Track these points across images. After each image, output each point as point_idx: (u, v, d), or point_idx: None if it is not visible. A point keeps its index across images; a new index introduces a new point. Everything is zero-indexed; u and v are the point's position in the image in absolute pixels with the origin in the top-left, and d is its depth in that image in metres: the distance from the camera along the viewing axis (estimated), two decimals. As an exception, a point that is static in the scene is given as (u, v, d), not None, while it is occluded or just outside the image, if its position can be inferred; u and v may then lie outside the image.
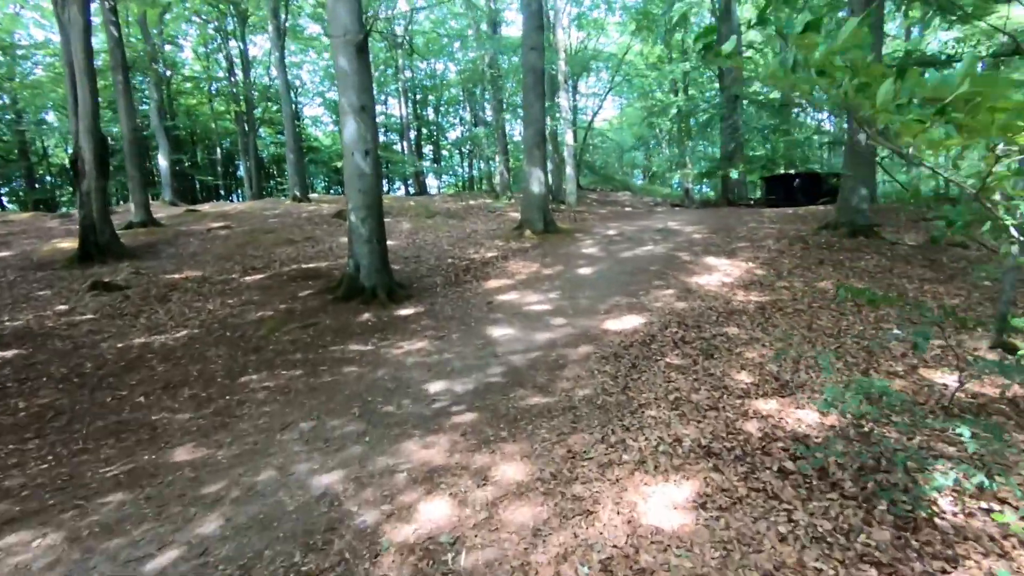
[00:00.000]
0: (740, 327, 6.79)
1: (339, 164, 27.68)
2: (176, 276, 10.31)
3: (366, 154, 8.56)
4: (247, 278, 9.97)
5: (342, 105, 8.58)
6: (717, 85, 23.80)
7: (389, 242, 13.17)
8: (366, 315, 7.95)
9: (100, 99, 11.94)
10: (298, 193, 21.84)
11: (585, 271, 10.07)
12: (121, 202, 27.27)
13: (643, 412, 4.38)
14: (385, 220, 16.51)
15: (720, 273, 9.38)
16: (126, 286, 9.48)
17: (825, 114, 31.38)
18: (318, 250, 12.10)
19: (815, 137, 21.04)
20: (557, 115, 22.20)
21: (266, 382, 5.63)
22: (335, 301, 8.45)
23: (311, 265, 10.88)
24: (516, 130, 36.37)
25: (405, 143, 33.72)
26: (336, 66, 8.63)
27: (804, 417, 4.15)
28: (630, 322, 7.13)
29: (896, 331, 6.73)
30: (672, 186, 36.39)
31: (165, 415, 4.89)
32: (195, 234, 14.40)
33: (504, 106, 24.62)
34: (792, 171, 22.23)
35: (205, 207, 21.94)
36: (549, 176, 27.45)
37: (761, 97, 19.48)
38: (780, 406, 4.38)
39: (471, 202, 21.15)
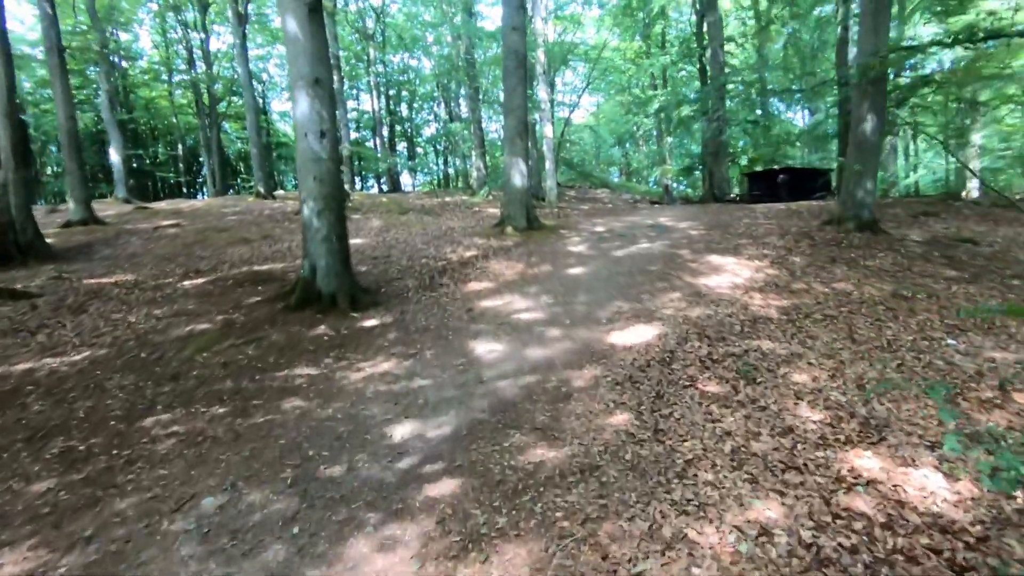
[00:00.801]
0: (772, 339, 5.52)
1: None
2: (104, 281, 8.64)
3: (322, 135, 7.07)
4: (186, 283, 8.37)
5: (293, 78, 7.07)
6: (698, 83, 22.75)
7: (356, 240, 11.68)
8: (322, 327, 6.47)
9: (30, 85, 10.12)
10: (262, 189, 20.09)
11: (577, 271, 8.73)
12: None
13: (694, 475, 3.04)
14: (354, 217, 15.04)
15: (729, 274, 8.14)
16: (38, 294, 7.81)
17: (798, 112, 30.73)
18: (275, 250, 10.52)
19: (796, 131, 20.08)
20: (536, 107, 20.84)
21: (176, 425, 4.13)
22: (286, 310, 6.95)
23: (265, 267, 9.32)
24: (493, 126, 34.99)
25: (378, 139, 32.01)
26: (285, 31, 7.10)
27: (926, 482, 2.86)
28: (640, 334, 5.80)
29: (950, 341, 5.55)
30: (649, 183, 35.40)
31: (13, 484, 3.36)
32: (139, 233, 12.65)
33: (480, 98, 23.17)
34: (776, 167, 21.29)
35: (161, 204, 20.04)
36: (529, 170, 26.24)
37: (744, 87, 18.41)
38: (881, 462, 3.08)
39: (447, 199, 19.67)
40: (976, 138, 21.48)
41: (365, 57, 31.00)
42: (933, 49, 11.12)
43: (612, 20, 28.69)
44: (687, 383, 4.49)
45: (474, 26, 21.33)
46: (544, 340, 5.82)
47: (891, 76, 15.97)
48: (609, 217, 14.72)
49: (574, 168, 32.53)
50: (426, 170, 43.46)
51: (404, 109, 39.85)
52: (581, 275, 8.49)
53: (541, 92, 20.54)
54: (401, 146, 39.79)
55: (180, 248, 10.98)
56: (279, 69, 34.98)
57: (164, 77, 30.42)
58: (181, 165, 32.09)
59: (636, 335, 5.77)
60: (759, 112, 26.56)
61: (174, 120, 31.36)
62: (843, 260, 8.87)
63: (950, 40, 9.09)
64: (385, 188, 33.03)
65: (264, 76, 34.29)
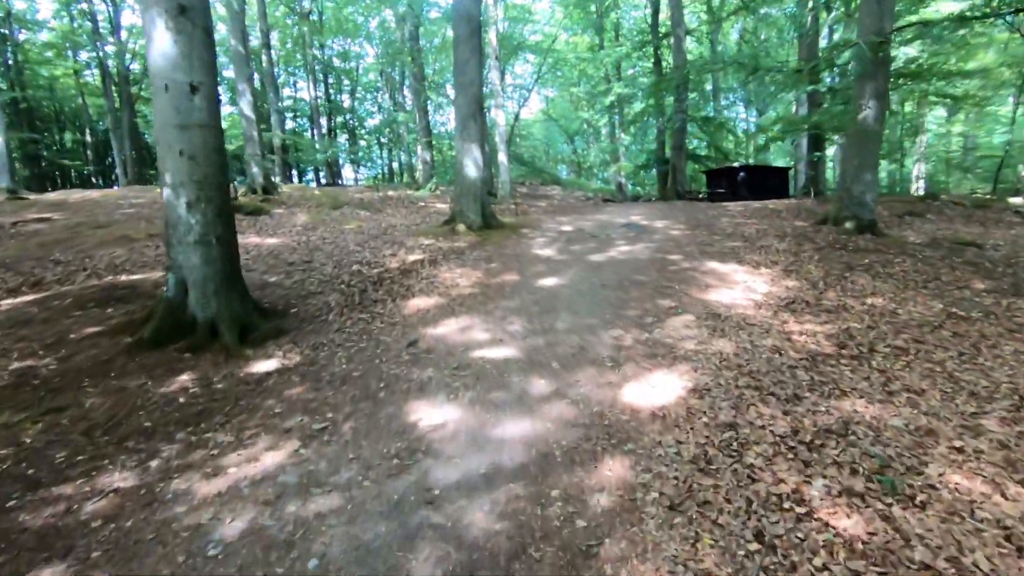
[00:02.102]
0: (859, 393, 3.64)
1: (239, 145, 22.61)
2: None
3: (192, 90, 4.67)
4: (5, 302, 5.73)
5: (145, 2, 4.62)
6: (653, 77, 21.16)
7: (270, 240, 9.15)
8: (183, 378, 4.11)
9: None
10: (175, 179, 16.89)
11: (551, 283, 6.66)
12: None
13: None
14: (275, 212, 12.19)
15: (741, 287, 6.29)
16: None
17: (744, 113, 29.91)
18: (159, 253, 7.89)
19: (773, 123, 18.81)
20: (490, 93, 18.68)
21: None
22: (136, 348, 4.53)
23: (136, 277, 6.74)
24: (440, 116, 32.48)
25: (316, 129, 28.90)
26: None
27: None
28: (667, 386, 3.80)
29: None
30: (600, 180, 33.90)
31: None
32: (-9, 228, 9.64)
33: (426, 84, 20.75)
34: (735, 164, 20.03)
35: (50, 196, 16.55)
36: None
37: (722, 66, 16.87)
38: None
39: (389, 192, 17.19)
40: (922, 139, 21.00)
41: (301, 40, 27.79)
42: (909, 34, 9.77)
43: (564, 11, 26.85)
44: (793, 503, 2.49)
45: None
46: (526, 400, 3.71)
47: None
48: (574, 215, 12.75)
49: (525, 164, 30.56)
50: (369, 163, 40.39)
51: (346, 99, 36.69)
52: (557, 288, 6.43)
53: (494, 76, 18.39)
54: (343, 138, 36.58)
55: (34, 249, 8.16)
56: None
57: (67, 53, 26.17)
58: (89, 153, 27.85)
59: (663, 388, 3.76)
60: (711, 110, 25.44)
61: (81, 102, 27.15)
62: (860, 268, 7.24)
63: (974, 13, 7.59)
64: (324, 181, 29.97)
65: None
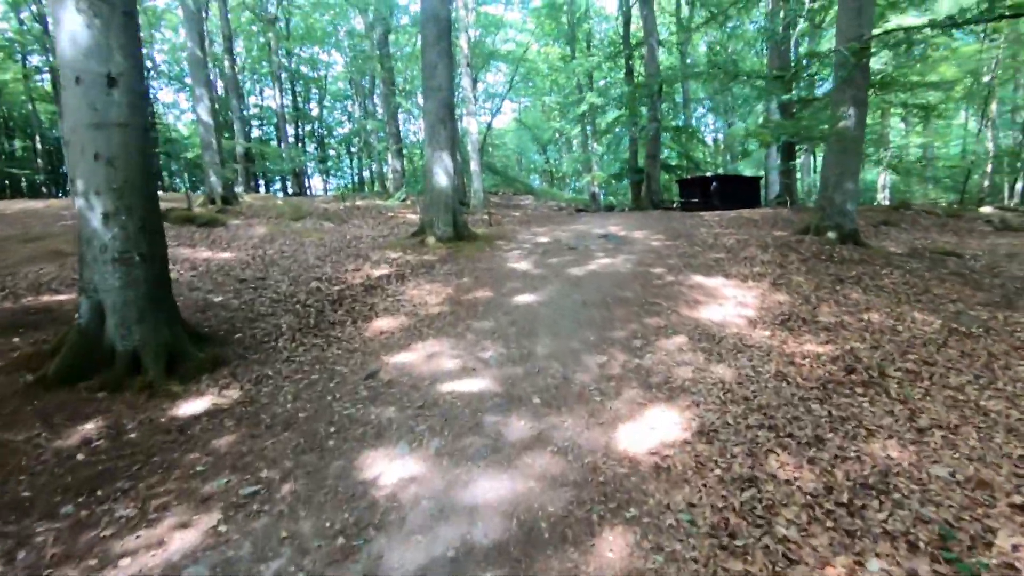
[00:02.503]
0: (885, 431, 3.14)
1: (198, 153, 21.33)
2: None
3: (111, 82, 3.95)
4: None
5: (51, -21, 3.90)
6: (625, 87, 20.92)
7: (223, 255, 8.32)
8: (89, 427, 3.37)
9: None
10: (128, 189, 15.82)
11: (528, 300, 6.07)
12: None
13: None
14: (231, 223, 11.19)
15: (731, 302, 5.80)
16: None
17: (712, 123, 30.05)
18: (94, 269, 7.04)
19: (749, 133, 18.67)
20: (461, 101, 18.14)
21: None
22: (40, 387, 3.75)
23: (58, 298, 5.90)
24: (412, 126, 31.78)
25: (283, 138, 27.85)
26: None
27: None
28: (668, 427, 3.23)
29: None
30: (573, 190, 33.63)
31: None
32: (-94, 243, 8.58)
33: (397, 92, 20.08)
34: (708, 174, 19.88)
35: (-9, 205, 15.26)
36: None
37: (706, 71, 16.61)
38: None
39: (358, 203, 16.40)
40: (886, 149, 21.24)
41: (267, 46, 26.80)
42: (891, 40, 9.58)
43: (535, 21, 26.56)
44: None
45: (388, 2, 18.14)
46: (503, 447, 3.09)
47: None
48: (549, 225, 12.22)
49: (498, 173, 30.03)
50: (340, 173, 39.36)
51: (314, 107, 35.64)
52: (535, 306, 5.83)
53: (466, 84, 17.84)
54: (312, 148, 35.50)
55: (-52, 267, 7.21)
56: (169, 56, 29.77)
57: (16, 56, 24.68)
58: (40, 161, 26.25)
59: (664, 430, 3.19)
60: (682, 120, 25.37)
61: (31, 108, 25.59)
62: (850, 280, 6.86)
63: (959, 20, 7.35)
64: (292, 191, 28.92)
65: (148, 63, 28.98)
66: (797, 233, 9.38)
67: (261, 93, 33.34)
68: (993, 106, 14.83)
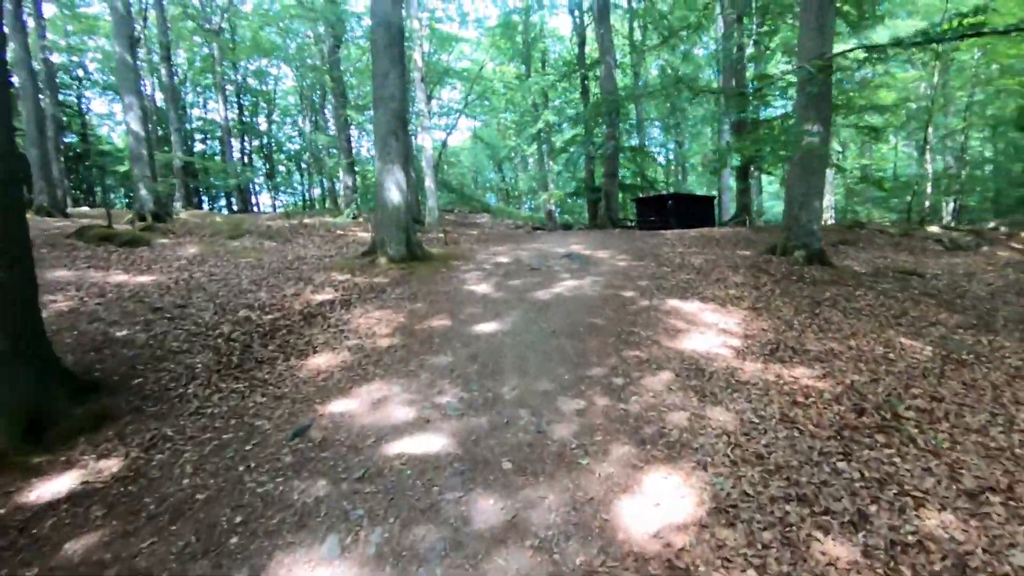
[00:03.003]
0: (935, 500, 2.55)
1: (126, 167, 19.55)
2: None
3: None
4: None
5: None
6: (582, 108, 20.73)
7: (141, 278, 7.15)
8: None
9: None
10: (45, 203, 14.26)
11: (490, 329, 5.32)
12: None
13: None
14: (160, 242, 9.80)
15: (713, 330, 5.24)
16: None
17: (663, 143, 30.44)
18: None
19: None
20: (415, 116, 17.41)
21: None
22: None
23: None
24: (364, 143, 30.71)
25: (228, 152, 26.24)
26: None
27: None
28: (675, 502, 2.53)
29: None
30: (529, 208, 33.27)
31: None
32: None
33: (348, 104, 19.13)
34: (664, 193, 19.79)
35: None
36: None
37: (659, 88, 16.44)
38: None
39: (306, 220, 15.28)
40: (827, 173, 21.83)
41: (211, 57, 25.30)
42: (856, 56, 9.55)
43: (490, 40, 26.26)
44: None
45: (337, 8, 17.25)
46: (465, 542, 2.31)
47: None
48: (508, 244, 11.54)
49: (454, 191, 29.35)
50: (291, 190, 37.68)
51: (263, 122, 34.03)
52: (499, 337, 5.09)
53: (420, 98, 17.10)
54: (261, 163, 33.80)
55: None
56: (102, 64, 27.69)
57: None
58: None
59: (671, 506, 2.49)
60: (636, 140, 25.45)
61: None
62: (826, 302, 6.47)
63: (917, 39, 7.21)
64: (236, 208, 27.24)
65: (79, 72, 26.86)
66: (764, 253, 9.04)
67: (205, 106, 31.55)
68: (930, 130, 15.34)
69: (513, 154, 33.36)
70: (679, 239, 11.60)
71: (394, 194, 8.68)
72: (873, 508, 2.46)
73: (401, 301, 6.54)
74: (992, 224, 13.78)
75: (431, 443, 3.17)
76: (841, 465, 2.85)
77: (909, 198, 13.96)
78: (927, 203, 15.10)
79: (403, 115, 8.93)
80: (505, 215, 27.32)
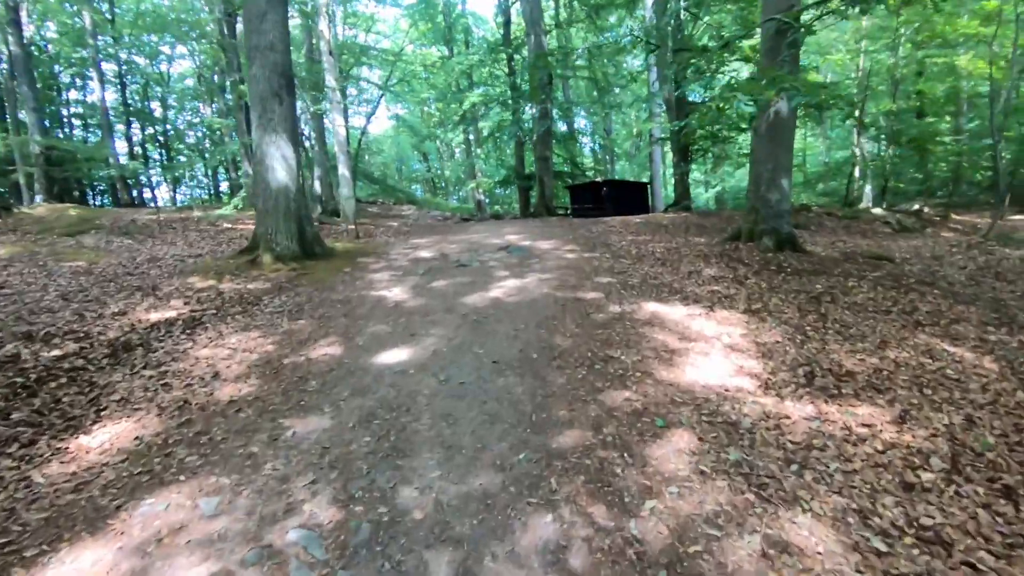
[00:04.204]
0: None
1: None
2: None
3: None
4: None
5: None
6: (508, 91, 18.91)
7: None
8: None
9: None
10: None
11: (399, 359, 3.44)
12: None
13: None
14: None
15: (716, 347, 3.64)
16: None
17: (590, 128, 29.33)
18: None
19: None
20: (321, 95, 14.93)
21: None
22: None
23: None
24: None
25: (110, 139, 22.23)
26: None
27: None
28: None
29: None
30: (457, 199, 31.20)
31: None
32: None
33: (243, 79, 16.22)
34: (599, 179, 18.46)
35: None
36: (316, 181, 19.58)
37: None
38: None
39: (188, 214, 12.48)
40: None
41: (82, 30, 21.14)
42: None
43: (410, 21, 23.86)
44: None
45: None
46: None
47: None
48: (433, 236, 9.56)
49: (376, 182, 26.75)
50: (194, 183, 33.30)
51: (158, 108, 29.59)
52: (412, 375, 3.23)
53: (329, 77, 14.63)
54: (159, 154, 29.40)
55: None
56: (67, 38, 22.47)
57: None
58: None
59: None
60: (564, 125, 24.02)
61: None
62: (824, 298, 5.13)
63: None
64: (124, 203, 23.21)
65: (48, 48, 21.68)
66: (729, 239, 7.70)
67: (84, 87, 26.81)
68: (856, 112, 14.90)
69: (439, 142, 31.07)
70: (624, 226, 10.13)
71: (280, 174, 6.52)
72: None
73: (277, 317, 4.51)
74: (916, 206, 13.44)
75: None
76: None
77: (847, 181, 13.40)
78: (867, 187, 14.61)
79: (288, 71, 6.74)
80: (432, 206, 25.18)
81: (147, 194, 28.91)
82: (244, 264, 6.36)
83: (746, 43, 10.79)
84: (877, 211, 11.53)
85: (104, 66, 23.90)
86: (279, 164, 6.54)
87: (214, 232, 9.32)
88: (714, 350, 3.56)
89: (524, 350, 3.50)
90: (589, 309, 4.36)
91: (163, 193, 30.65)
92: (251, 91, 6.69)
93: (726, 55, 8.22)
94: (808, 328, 4.16)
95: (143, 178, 28.11)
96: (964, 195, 14.56)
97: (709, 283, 5.35)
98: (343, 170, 14.22)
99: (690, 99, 12.91)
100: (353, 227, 10.21)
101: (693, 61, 8.68)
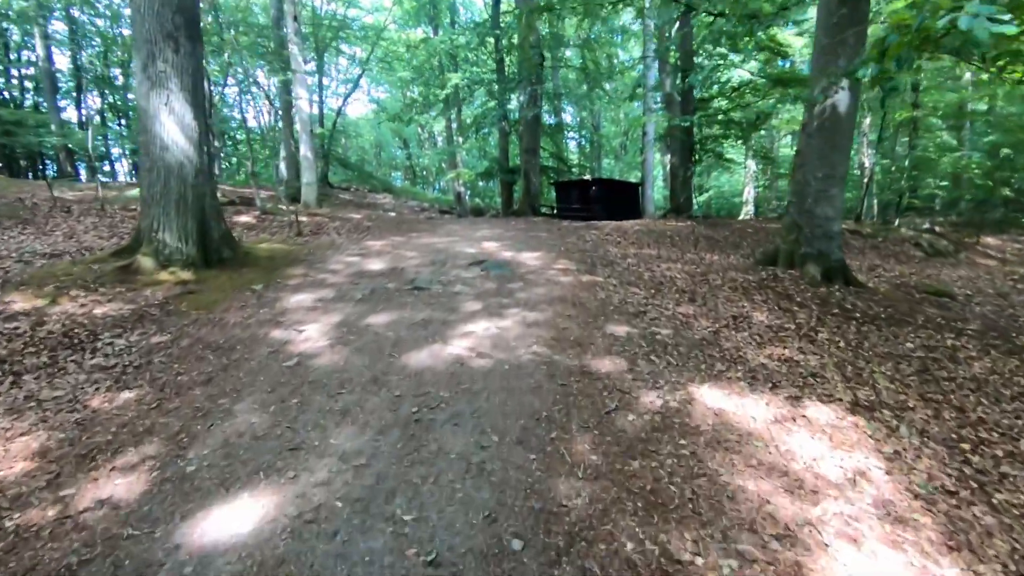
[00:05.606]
0: None
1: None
2: None
3: None
4: None
5: None
6: (495, 75, 16.93)
7: None
8: None
9: None
10: None
11: (237, 527, 1.61)
12: None
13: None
14: None
15: (870, 518, 1.86)
16: None
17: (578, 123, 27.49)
18: None
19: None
20: (287, 70, 12.74)
21: None
22: None
23: None
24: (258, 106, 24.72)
25: (54, 107, 19.52)
26: None
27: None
28: None
29: None
30: (437, 189, 29.12)
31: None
32: None
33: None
34: (588, 177, 16.67)
35: None
36: (282, 162, 17.35)
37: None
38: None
39: (127, 193, 10.24)
40: (751, 164, 19.90)
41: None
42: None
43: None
44: None
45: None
46: None
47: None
48: (395, 236, 7.61)
49: (351, 168, 24.49)
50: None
51: (120, 75, 26.63)
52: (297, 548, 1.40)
53: (293, 48, 12.44)
54: (119, 126, 26.50)
55: None
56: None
57: None
58: None
59: None
60: (552, 118, 22.11)
61: None
62: (936, 371, 3.42)
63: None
64: (66, 176, 20.55)
65: None
66: (760, 263, 5.99)
67: (19, 55, 23.67)
68: (867, 122, 13.43)
69: (420, 129, 28.80)
70: (621, 234, 8.35)
71: (172, 146, 4.54)
72: None
73: (98, 378, 2.61)
74: (927, 224, 12.01)
75: None
76: None
77: (862, 194, 11.94)
78: (874, 201, 13.16)
79: (190, 4, 4.71)
80: (409, 196, 23.08)
81: (108, 168, 26.04)
82: (114, 271, 4.38)
83: (772, 31, 9.08)
84: (904, 231, 10.00)
85: (56, 25, 21.11)
86: (172, 133, 4.55)
87: (118, 220, 7.21)
88: (863, 526, 1.79)
89: (496, 520, 1.68)
90: (608, 398, 2.55)
91: (125, 167, 27.81)
92: (135, 31, 4.65)
93: (755, 25, 6.44)
94: (965, 445, 2.44)
95: (102, 149, 25.37)
96: (968, 213, 13.26)
97: (769, 340, 3.60)
98: (305, 151, 12.10)
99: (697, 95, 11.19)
100: (307, 218, 8.19)
101: (715, 27, 6.75)
